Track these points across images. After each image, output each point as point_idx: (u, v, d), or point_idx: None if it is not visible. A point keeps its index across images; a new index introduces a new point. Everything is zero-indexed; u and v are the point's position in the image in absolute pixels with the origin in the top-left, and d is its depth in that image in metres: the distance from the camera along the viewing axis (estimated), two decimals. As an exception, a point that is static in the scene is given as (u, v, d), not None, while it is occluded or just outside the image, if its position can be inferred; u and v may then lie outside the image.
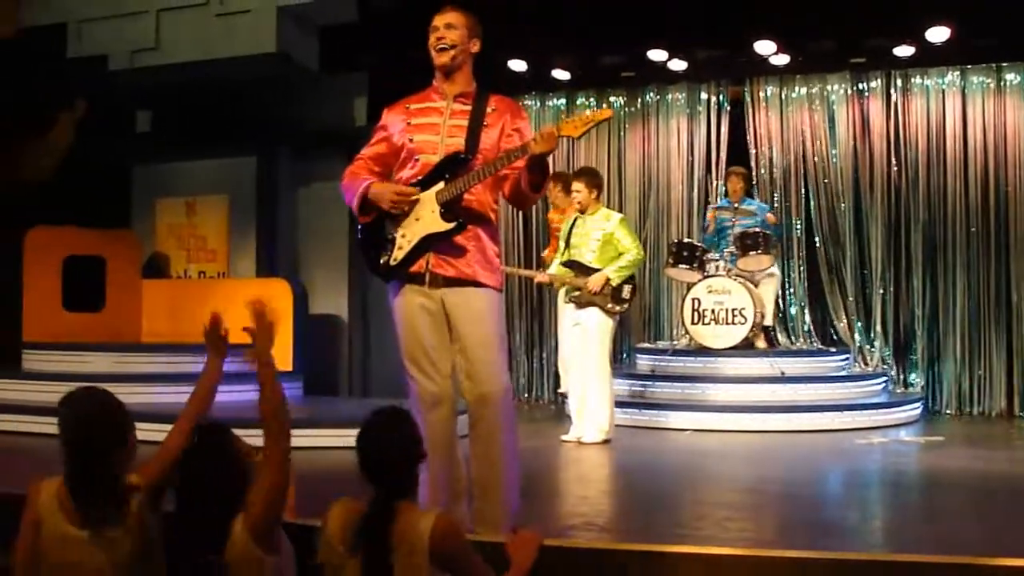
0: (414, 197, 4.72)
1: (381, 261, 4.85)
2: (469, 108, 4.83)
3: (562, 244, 8.86)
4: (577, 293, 8.55)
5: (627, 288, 8.50)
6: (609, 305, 8.42)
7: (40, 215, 10.73)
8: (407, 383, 4.86)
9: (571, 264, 8.66)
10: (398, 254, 4.79)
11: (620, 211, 11.35)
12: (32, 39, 11.42)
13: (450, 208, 4.70)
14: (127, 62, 11.44)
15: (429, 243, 4.73)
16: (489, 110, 4.84)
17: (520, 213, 12.28)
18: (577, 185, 8.68)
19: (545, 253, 10.76)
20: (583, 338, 8.55)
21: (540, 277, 9.35)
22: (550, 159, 4.77)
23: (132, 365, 9.80)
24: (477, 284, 4.76)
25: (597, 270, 8.43)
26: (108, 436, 3.74)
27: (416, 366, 4.79)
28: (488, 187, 4.82)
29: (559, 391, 10.55)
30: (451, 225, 4.70)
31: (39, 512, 3.71)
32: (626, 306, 8.52)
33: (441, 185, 4.72)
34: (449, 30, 4.78)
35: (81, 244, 10.79)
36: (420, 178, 4.77)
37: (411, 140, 4.84)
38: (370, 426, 3.76)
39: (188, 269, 11.78)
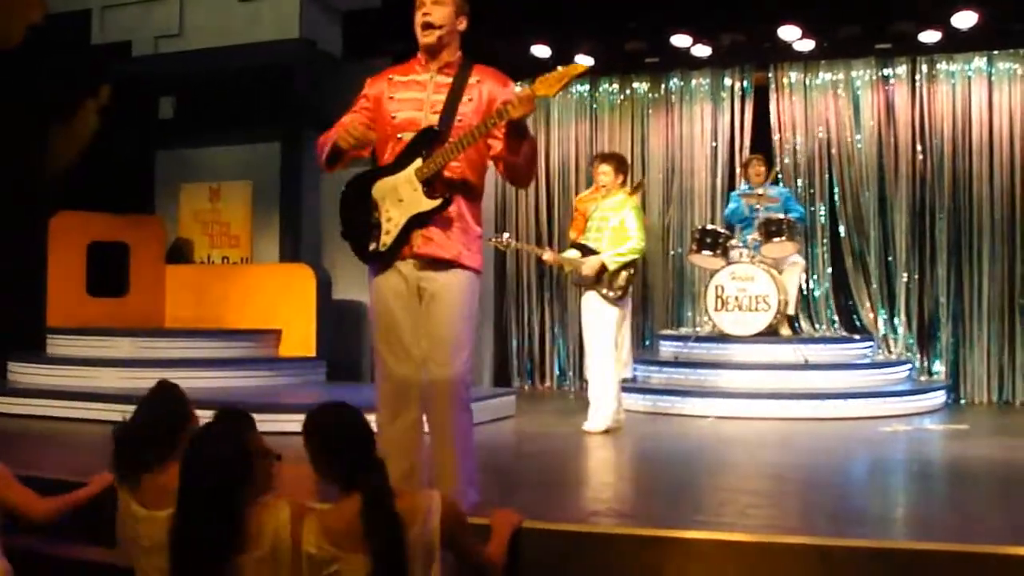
0: (367, 132, 4.68)
1: (370, 248, 4.76)
2: (450, 81, 4.73)
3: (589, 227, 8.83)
4: (580, 277, 8.53)
5: (624, 275, 8.32)
6: (604, 291, 8.35)
7: (64, 201, 10.79)
8: (376, 365, 4.82)
9: (578, 246, 8.65)
10: (386, 239, 4.71)
11: (643, 197, 11.36)
12: (57, 25, 11.49)
13: (431, 184, 4.63)
14: (151, 48, 11.54)
15: (415, 223, 4.66)
16: (472, 81, 4.74)
17: (548, 195, 12.27)
18: (605, 167, 8.62)
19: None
20: (585, 324, 8.54)
21: (545, 256, 9.29)
22: (530, 121, 4.69)
23: (155, 350, 9.84)
24: (459, 266, 4.71)
25: (598, 254, 8.39)
26: None
27: (388, 347, 4.74)
28: (472, 165, 4.75)
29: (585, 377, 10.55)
30: (437, 202, 4.63)
31: None
32: (620, 292, 8.34)
33: (419, 162, 4.63)
34: (436, 6, 4.67)
35: (105, 230, 10.84)
36: (396, 157, 4.70)
37: (394, 118, 4.74)
38: (317, 423, 3.71)
39: (211, 255, 11.82)
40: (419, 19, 4.71)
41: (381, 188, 4.72)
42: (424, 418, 4.79)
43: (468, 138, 4.58)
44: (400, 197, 4.66)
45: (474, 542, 3.80)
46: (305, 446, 3.68)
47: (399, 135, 4.72)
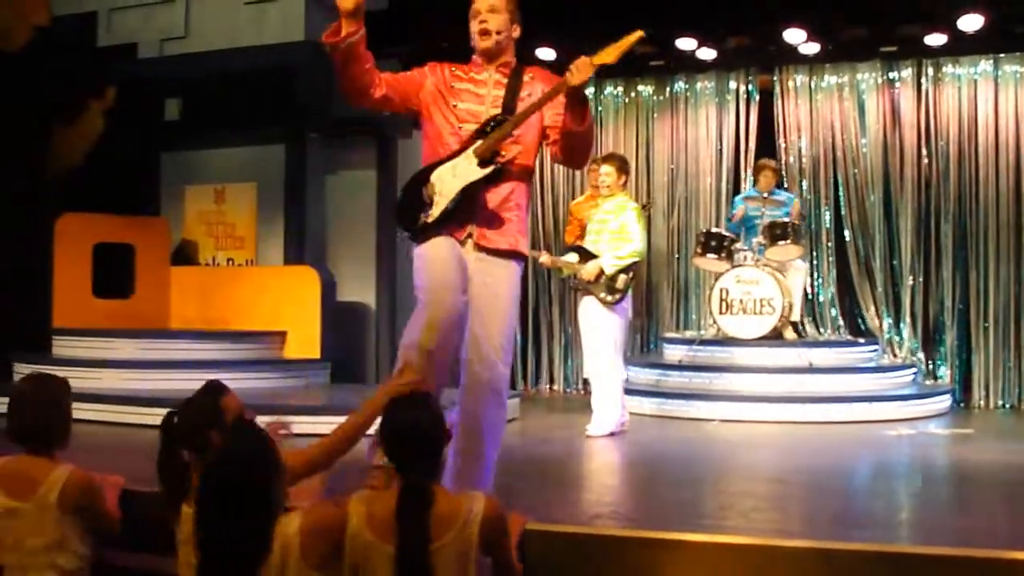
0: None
1: (419, 222, 4.77)
2: (508, 79, 4.83)
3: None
4: (576, 281, 8.50)
5: (622, 278, 8.27)
6: (602, 295, 8.29)
7: (70, 202, 10.80)
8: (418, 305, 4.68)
9: (577, 249, 8.62)
10: (435, 211, 4.72)
11: (648, 200, 11.36)
12: (63, 27, 11.51)
13: (487, 161, 4.67)
14: (156, 50, 11.56)
15: (467, 195, 4.69)
16: (527, 78, 4.85)
17: (553, 198, 12.25)
18: (606, 168, 8.57)
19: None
20: (584, 328, 8.50)
21: (542, 259, 9.22)
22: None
23: (160, 352, 9.84)
24: (514, 255, 4.79)
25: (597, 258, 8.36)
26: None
27: (432, 287, 4.60)
28: (528, 149, 4.81)
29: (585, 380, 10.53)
30: (487, 170, 4.66)
31: None
32: (618, 297, 8.30)
33: (479, 142, 4.69)
34: (492, 15, 4.75)
35: (111, 231, 10.85)
36: (460, 146, 4.74)
37: (455, 106, 4.81)
38: (394, 410, 3.72)
39: (216, 256, 11.83)
40: (476, 27, 4.79)
41: (439, 171, 4.77)
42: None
43: (525, 113, 4.68)
44: (455, 173, 4.71)
45: (511, 547, 3.74)
46: (385, 435, 3.67)
47: (461, 126, 4.79)
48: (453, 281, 4.62)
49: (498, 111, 4.76)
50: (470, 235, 4.74)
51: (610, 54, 4.62)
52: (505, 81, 4.83)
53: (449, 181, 4.71)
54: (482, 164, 4.67)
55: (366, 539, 3.49)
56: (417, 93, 4.89)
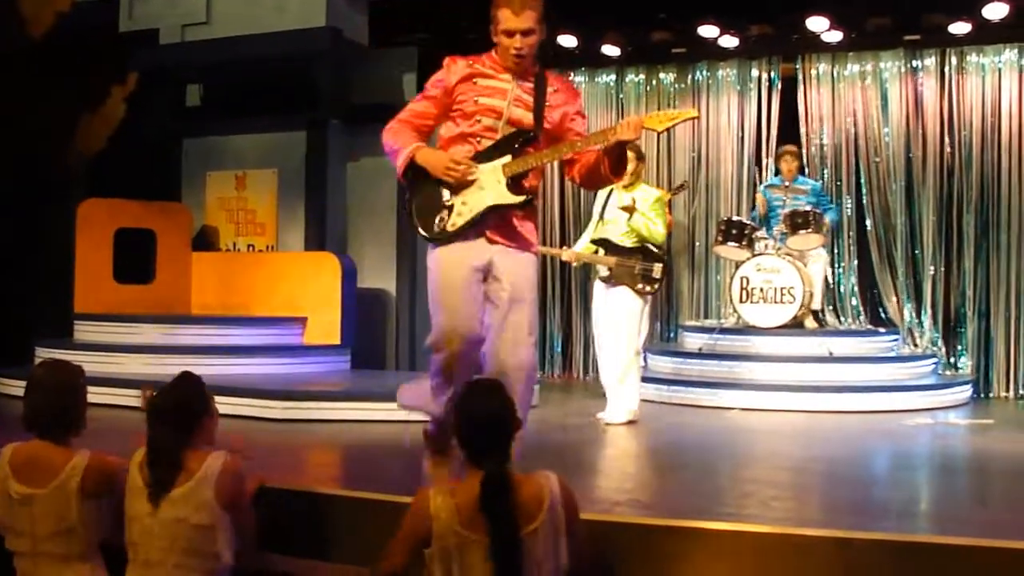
0: (472, 171, 4.76)
1: (437, 227, 4.85)
2: (533, 85, 4.88)
3: (595, 218, 8.70)
4: (607, 273, 8.42)
5: (657, 267, 8.21)
6: (639, 286, 8.20)
7: (92, 188, 10.84)
8: (434, 325, 4.84)
9: (601, 242, 8.53)
10: (457, 220, 4.81)
11: (669, 188, 11.31)
12: (85, 13, 11.55)
13: (517, 181, 4.78)
14: (178, 36, 11.58)
15: (493, 212, 4.79)
16: (551, 90, 4.90)
17: (575, 191, 12.25)
18: None
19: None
20: (613, 319, 8.42)
21: (564, 256, 9.12)
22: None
23: (181, 337, 9.89)
24: (527, 250, 4.87)
25: (627, 249, 8.30)
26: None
27: (449, 307, 4.77)
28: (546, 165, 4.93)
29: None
30: (521, 198, 4.80)
31: None
32: (656, 286, 8.26)
33: (508, 158, 4.77)
34: (527, 37, 4.76)
35: (132, 216, 10.88)
36: (482, 150, 4.83)
37: (476, 101, 4.85)
38: (469, 399, 3.80)
39: (237, 242, 11.85)
40: (511, 46, 4.78)
41: None
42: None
43: (566, 149, 4.80)
44: (482, 186, 4.80)
45: (583, 528, 3.82)
46: (462, 425, 3.79)
47: (478, 118, 4.86)
48: (469, 311, 4.77)
49: (519, 111, 4.84)
50: (487, 236, 4.83)
51: (660, 122, 4.72)
52: (530, 86, 4.88)
53: (475, 193, 4.80)
54: (514, 189, 4.78)
55: (459, 533, 3.57)
56: (450, 102, 4.92)
